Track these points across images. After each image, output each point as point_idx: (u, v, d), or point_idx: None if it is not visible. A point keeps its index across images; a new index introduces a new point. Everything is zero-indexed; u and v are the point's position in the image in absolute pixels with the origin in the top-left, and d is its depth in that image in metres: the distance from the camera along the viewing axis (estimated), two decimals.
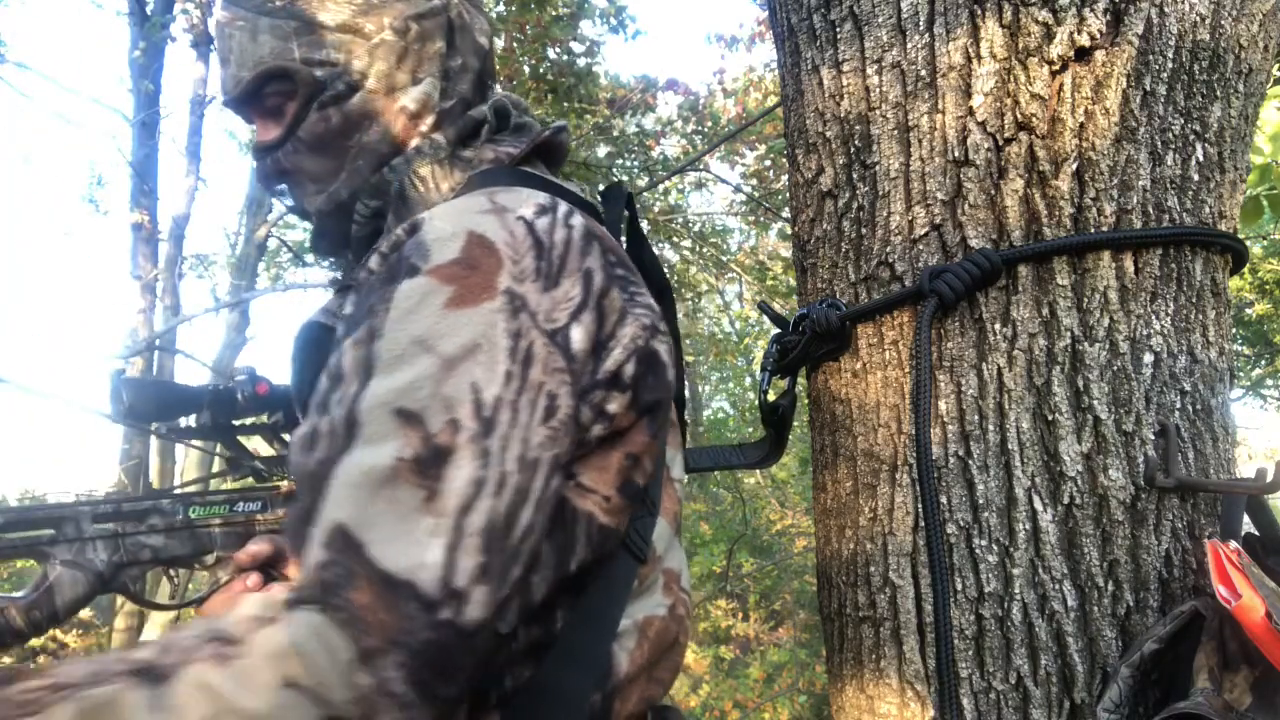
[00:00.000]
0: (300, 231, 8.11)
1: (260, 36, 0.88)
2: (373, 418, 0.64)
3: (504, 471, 0.64)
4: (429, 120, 0.89)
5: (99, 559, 0.95)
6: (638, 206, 6.21)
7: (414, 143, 0.89)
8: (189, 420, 1.12)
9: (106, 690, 0.55)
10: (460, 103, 0.92)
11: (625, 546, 0.78)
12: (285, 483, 1.09)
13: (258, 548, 0.92)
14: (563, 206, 0.79)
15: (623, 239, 0.99)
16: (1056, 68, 0.96)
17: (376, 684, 0.57)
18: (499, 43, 5.25)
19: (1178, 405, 0.96)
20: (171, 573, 1.05)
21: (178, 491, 1.05)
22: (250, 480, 1.16)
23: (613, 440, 0.75)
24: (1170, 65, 0.97)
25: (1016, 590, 0.94)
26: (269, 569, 0.93)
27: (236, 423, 1.12)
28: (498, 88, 0.99)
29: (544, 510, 0.67)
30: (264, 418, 1.14)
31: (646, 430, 0.77)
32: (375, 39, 0.88)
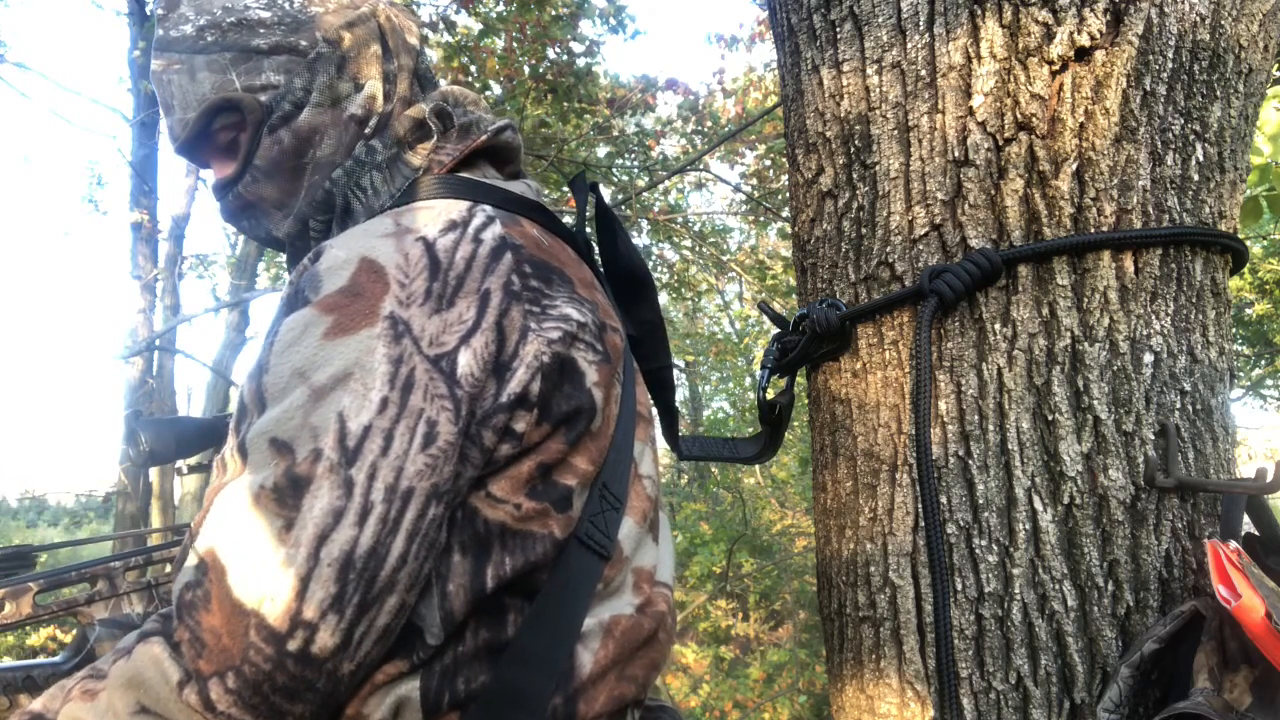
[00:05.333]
0: None
1: (199, 74, 0.89)
2: (255, 448, 0.67)
3: (369, 502, 0.65)
4: (372, 125, 0.90)
5: (135, 613, 0.95)
6: (638, 206, 6.22)
7: (355, 153, 0.89)
8: (209, 455, 1.12)
9: None
10: (400, 103, 0.93)
11: (584, 545, 0.78)
12: None
13: None
14: (478, 219, 0.78)
15: (590, 230, 0.98)
16: (1056, 68, 0.96)
17: (201, 701, 0.62)
18: (499, 43, 5.26)
19: (1178, 405, 0.96)
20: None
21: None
22: None
23: (524, 453, 0.75)
24: (1170, 65, 0.97)
25: (1016, 590, 0.94)
26: None
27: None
28: (448, 85, 0.98)
29: (423, 539, 0.67)
30: None
31: (563, 439, 0.76)
32: (311, 54, 0.89)
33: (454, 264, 0.74)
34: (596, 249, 1.04)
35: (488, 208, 0.81)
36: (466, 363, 0.70)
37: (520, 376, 0.73)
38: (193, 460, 1.10)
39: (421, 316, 0.70)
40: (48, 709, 0.69)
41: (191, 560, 0.66)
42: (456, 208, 0.79)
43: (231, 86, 0.88)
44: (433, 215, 0.78)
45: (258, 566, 0.62)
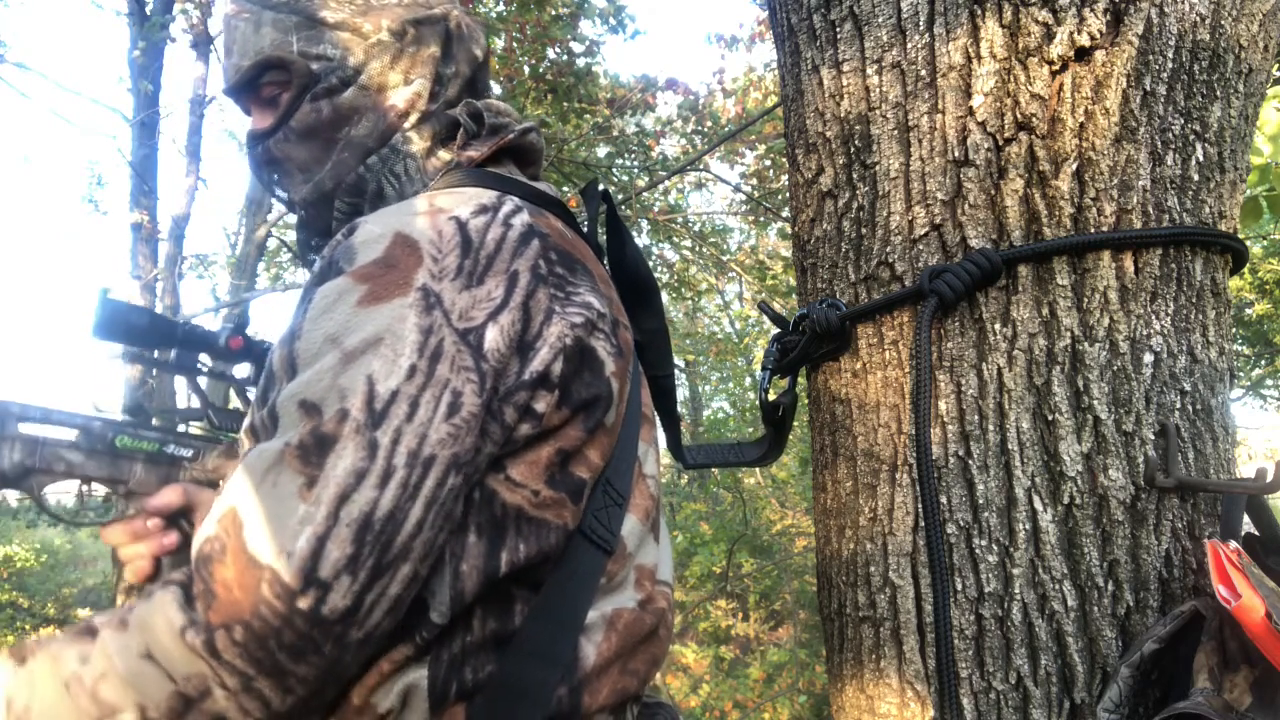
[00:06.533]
0: None
1: (263, 28, 0.93)
2: (285, 410, 0.68)
3: (391, 465, 0.65)
4: (413, 119, 0.93)
5: (10, 459, 0.97)
6: (638, 206, 6.23)
7: (392, 141, 0.92)
8: (161, 355, 1.14)
9: (59, 644, 0.68)
10: (444, 105, 0.96)
11: (588, 539, 0.78)
12: (230, 436, 1.10)
13: (169, 499, 0.94)
14: (507, 205, 0.80)
15: (601, 234, 1.01)
16: (1056, 68, 0.96)
17: (205, 646, 0.62)
18: (498, 42, 5.25)
19: (1178, 405, 0.96)
20: (85, 489, 1.07)
21: (111, 417, 1.06)
22: (200, 428, 1.17)
23: (544, 437, 0.76)
24: (1170, 65, 0.97)
25: (1016, 590, 0.94)
26: (179, 518, 0.96)
27: (203, 366, 1.14)
28: (497, 91, 1.01)
29: (440, 508, 0.67)
30: (233, 370, 1.17)
31: (581, 426, 0.78)
32: (372, 38, 0.92)
33: (485, 244, 0.75)
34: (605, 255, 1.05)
35: (515, 198, 0.84)
36: (493, 339, 0.71)
37: (543, 356, 0.74)
38: (134, 350, 1.12)
39: (453, 290, 0.72)
40: (97, 622, 0.71)
41: (214, 514, 0.66)
42: (486, 194, 0.82)
43: (289, 47, 0.92)
44: (464, 198, 0.80)
45: (276, 522, 0.63)
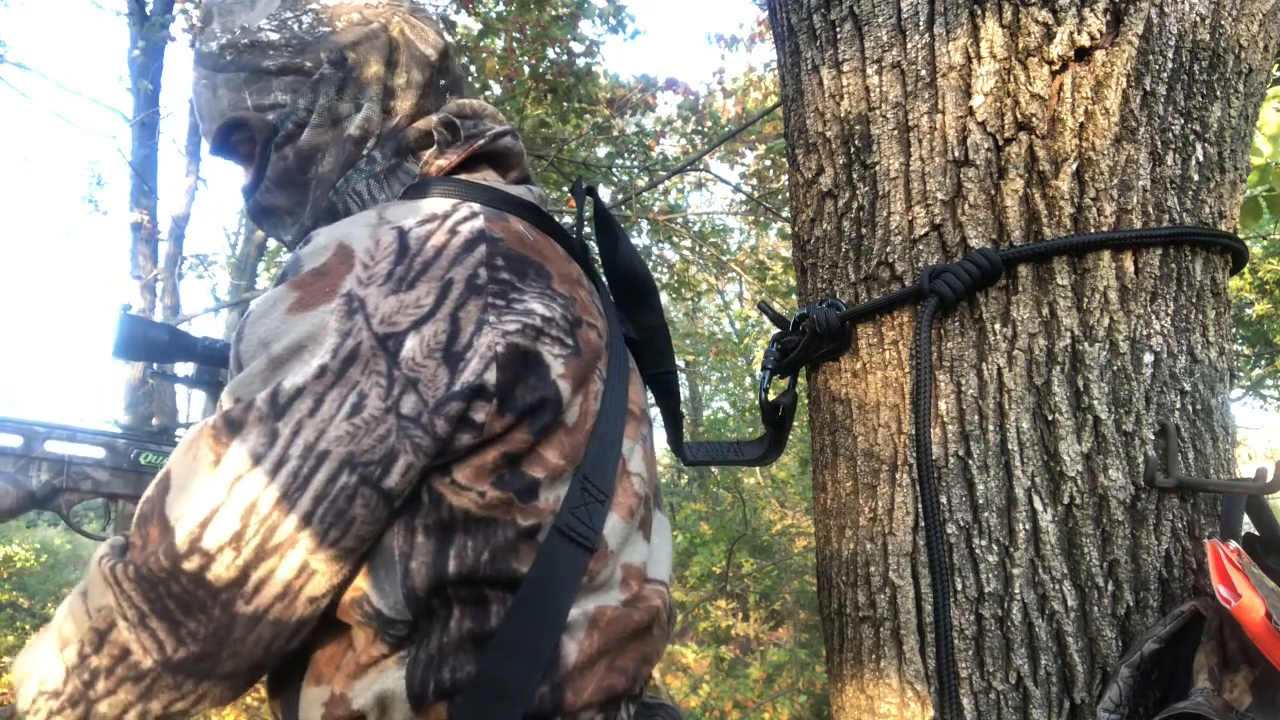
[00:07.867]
0: None
1: (219, 91, 0.95)
2: (224, 403, 0.74)
3: (286, 454, 0.69)
4: (371, 142, 0.94)
5: (38, 479, 1.00)
6: (638, 206, 6.22)
7: (356, 163, 0.94)
8: (181, 369, 1.16)
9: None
10: (405, 118, 0.96)
11: (566, 536, 0.78)
12: None
13: None
14: (460, 212, 0.81)
15: (590, 234, 1.03)
16: (1056, 68, 0.96)
17: (110, 571, 0.69)
18: (498, 43, 5.25)
19: (1178, 405, 0.96)
20: (112, 506, 1.10)
21: (134, 433, 1.07)
22: None
23: (488, 443, 0.76)
24: (1170, 65, 0.97)
25: (1016, 590, 0.94)
26: None
27: (222, 380, 1.16)
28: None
29: (330, 504, 0.69)
30: None
31: (527, 430, 0.77)
32: (315, 75, 0.93)
33: (423, 251, 0.76)
34: (597, 255, 1.05)
35: (475, 204, 0.83)
36: (411, 347, 0.73)
37: (474, 366, 0.74)
38: (156, 366, 1.14)
39: (378, 296, 0.74)
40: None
41: (157, 478, 0.73)
42: (442, 204, 0.82)
43: (244, 105, 0.94)
44: (416, 208, 0.81)
45: (185, 490, 0.69)
